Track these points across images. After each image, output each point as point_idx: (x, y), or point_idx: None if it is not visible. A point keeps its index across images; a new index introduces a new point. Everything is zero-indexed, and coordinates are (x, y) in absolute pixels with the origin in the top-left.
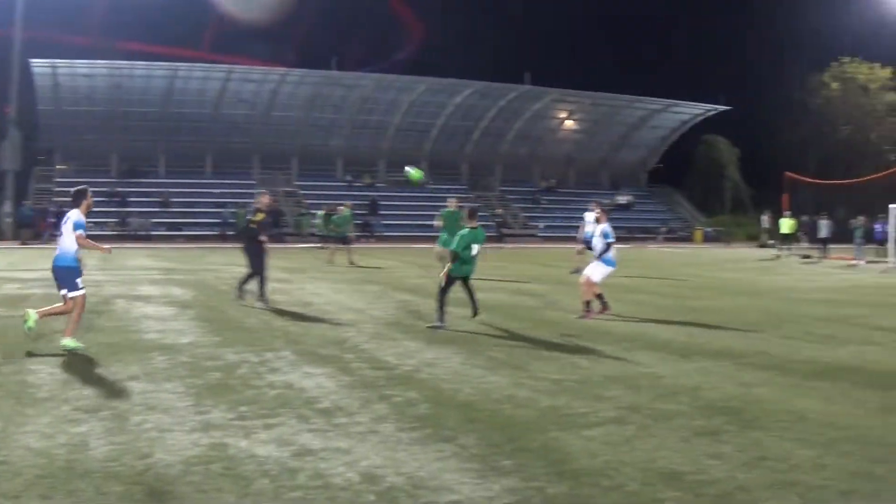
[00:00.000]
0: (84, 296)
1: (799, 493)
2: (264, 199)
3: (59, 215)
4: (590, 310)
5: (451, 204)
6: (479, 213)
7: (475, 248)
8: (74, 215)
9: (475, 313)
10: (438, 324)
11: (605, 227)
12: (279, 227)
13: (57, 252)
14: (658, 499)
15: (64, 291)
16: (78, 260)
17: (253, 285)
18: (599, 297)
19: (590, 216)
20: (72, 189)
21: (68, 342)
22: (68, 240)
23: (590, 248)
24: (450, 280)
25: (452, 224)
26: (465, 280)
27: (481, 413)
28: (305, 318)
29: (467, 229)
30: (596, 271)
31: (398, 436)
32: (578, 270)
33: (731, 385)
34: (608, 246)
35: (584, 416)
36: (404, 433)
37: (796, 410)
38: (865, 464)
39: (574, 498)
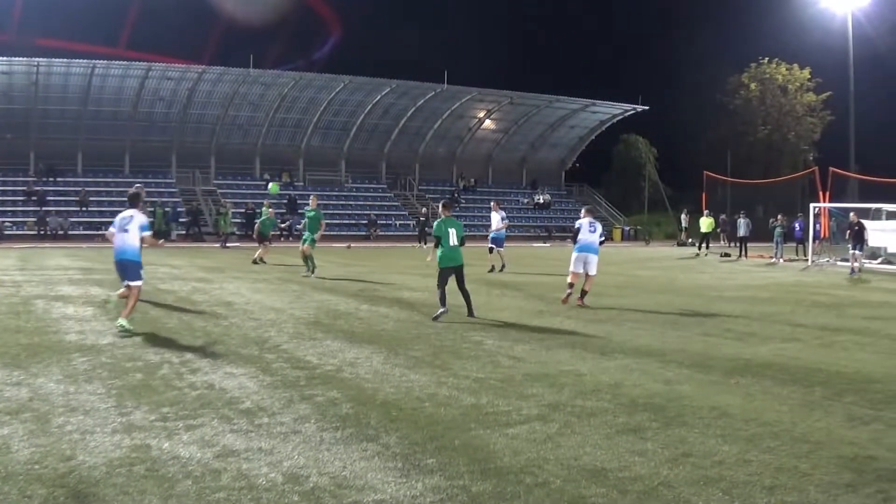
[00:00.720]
0: (141, 286)
1: (724, 488)
2: None
3: None
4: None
5: (312, 203)
6: (437, 209)
7: (452, 236)
8: (140, 217)
9: (469, 313)
10: (442, 310)
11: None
12: (199, 226)
13: (120, 247)
14: (582, 495)
15: (128, 281)
16: (140, 255)
17: None
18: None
19: (495, 216)
20: (128, 191)
21: (124, 322)
22: (133, 237)
23: (499, 247)
24: (443, 273)
25: (315, 224)
26: (459, 275)
27: (403, 412)
28: (226, 318)
29: (442, 218)
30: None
31: (321, 436)
32: (493, 270)
33: (652, 382)
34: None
35: (507, 415)
36: (327, 433)
37: (719, 407)
38: (790, 459)
39: (498, 495)
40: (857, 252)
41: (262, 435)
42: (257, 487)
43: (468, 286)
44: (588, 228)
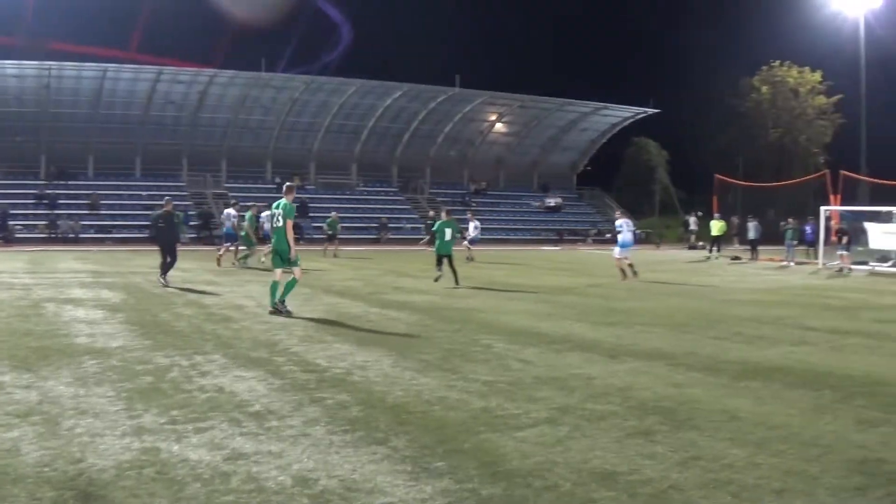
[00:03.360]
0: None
1: (732, 492)
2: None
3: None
4: None
5: (253, 208)
6: (427, 216)
7: (448, 233)
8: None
9: (456, 283)
10: (438, 273)
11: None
12: (210, 229)
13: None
14: (592, 498)
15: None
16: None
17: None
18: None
19: (472, 225)
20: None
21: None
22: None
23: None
24: (439, 257)
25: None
26: (449, 259)
27: (413, 415)
28: (236, 322)
29: (443, 220)
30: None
31: (330, 439)
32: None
33: (662, 385)
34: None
35: (517, 418)
36: (336, 436)
37: (728, 410)
38: (799, 463)
39: (508, 499)
40: (844, 253)
41: (272, 438)
42: (266, 490)
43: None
44: (626, 228)
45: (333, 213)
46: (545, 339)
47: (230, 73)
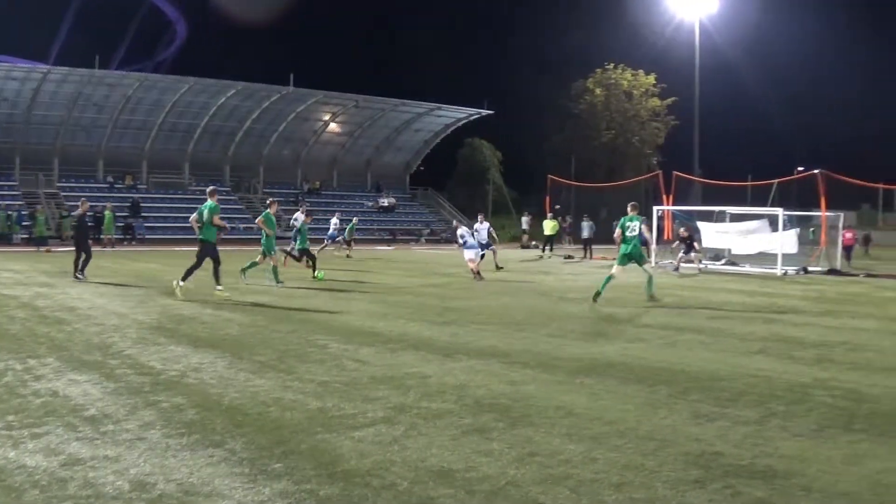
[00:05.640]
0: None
1: (571, 486)
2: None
3: None
4: None
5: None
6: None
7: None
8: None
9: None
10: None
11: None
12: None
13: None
14: (430, 497)
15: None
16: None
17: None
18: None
19: (335, 220)
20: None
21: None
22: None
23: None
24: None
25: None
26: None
27: (249, 417)
28: (69, 324)
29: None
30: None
31: (167, 442)
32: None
33: (497, 383)
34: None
35: (353, 418)
36: (173, 439)
37: (564, 406)
38: (636, 457)
39: (346, 499)
40: (684, 255)
41: (108, 442)
42: (104, 496)
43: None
44: (468, 234)
45: (354, 219)
46: (381, 339)
47: (64, 69)
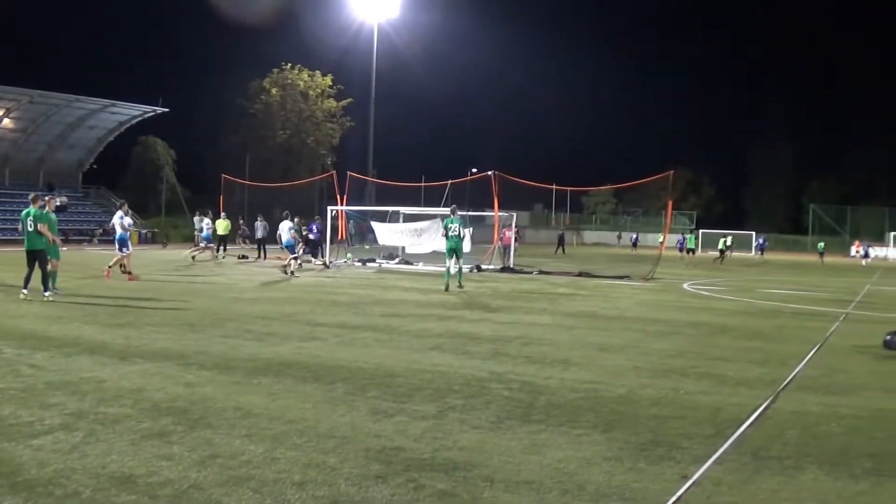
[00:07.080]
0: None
1: (254, 487)
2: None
3: None
4: None
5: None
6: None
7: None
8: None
9: None
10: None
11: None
12: None
13: None
14: (113, 503)
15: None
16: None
17: None
18: None
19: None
20: None
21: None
22: None
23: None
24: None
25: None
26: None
27: None
28: None
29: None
30: None
31: None
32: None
33: (174, 386)
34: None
35: (31, 425)
36: None
37: (242, 407)
38: (318, 455)
39: None
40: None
41: None
42: None
43: None
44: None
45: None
46: (55, 343)
47: None
